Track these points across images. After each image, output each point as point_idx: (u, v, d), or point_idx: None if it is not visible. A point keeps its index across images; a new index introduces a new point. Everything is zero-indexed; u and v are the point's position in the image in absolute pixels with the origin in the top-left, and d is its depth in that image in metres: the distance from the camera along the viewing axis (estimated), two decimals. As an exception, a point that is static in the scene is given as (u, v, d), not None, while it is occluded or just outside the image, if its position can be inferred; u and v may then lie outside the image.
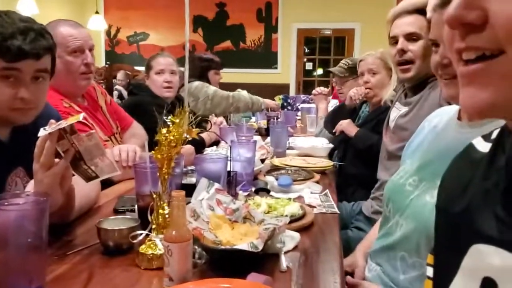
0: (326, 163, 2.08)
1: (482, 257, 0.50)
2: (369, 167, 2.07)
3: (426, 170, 1.07)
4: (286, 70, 8.21)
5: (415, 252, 1.03)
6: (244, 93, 3.74)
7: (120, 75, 6.99)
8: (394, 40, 1.69)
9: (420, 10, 1.57)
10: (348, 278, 1.23)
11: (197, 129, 1.10)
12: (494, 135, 0.59)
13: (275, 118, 3.29)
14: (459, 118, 1.04)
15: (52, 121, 1.04)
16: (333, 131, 2.55)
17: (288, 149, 2.38)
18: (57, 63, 1.77)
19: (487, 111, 0.44)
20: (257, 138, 2.34)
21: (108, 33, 8.37)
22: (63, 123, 1.01)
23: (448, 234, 0.60)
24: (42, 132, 1.02)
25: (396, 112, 1.74)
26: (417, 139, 1.20)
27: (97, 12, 7.66)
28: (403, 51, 1.64)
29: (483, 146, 0.60)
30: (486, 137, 0.61)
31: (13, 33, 1.15)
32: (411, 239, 1.04)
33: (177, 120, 1.01)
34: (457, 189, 0.60)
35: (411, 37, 1.64)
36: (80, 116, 1.02)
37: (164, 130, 1.01)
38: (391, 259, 1.10)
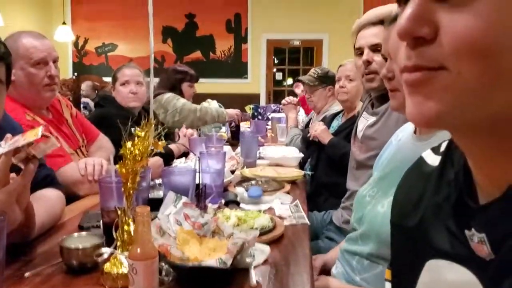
0: (297, 173, 2.08)
1: (438, 272, 0.51)
2: (341, 176, 2.07)
3: (383, 181, 1.11)
4: (256, 80, 8.24)
5: (371, 256, 1.11)
6: (213, 103, 3.72)
7: (84, 85, 6.87)
8: (359, 51, 1.71)
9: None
10: None
11: (164, 141, 1.08)
12: (442, 148, 0.59)
13: (234, 122, 3.33)
14: (415, 132, 1.09)
15: (8, 135, 1.00)
16: (308, 135, 2.56)
17: (258, 159, 2.38)
18: (20, 75, 1.74)
19: (433, 120, 0.43)
20: (227, 148, 2.33)
21: (75, 44, 8.22)
22: (21, 140, 0.97)
23: (404, 250, 0.60)
24: None
25: (363, 122, 1.76)
26: (385, 153, 1.23)
27: (64, 23, 7.52)
28: (368, 62, 1.66)
29: (433, 159, 0.60)
30: (435, 150, 0.61)
31: None
32: (367, 246, 1.12)
33: (142, 134, 0.99)
34: (410, 203, 0.60)
35: (376, 48, 1.66)
36: (39, 132, 0.98)
37: (129, 144, 0.99)
38: (350, 261, 1.19)
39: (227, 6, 7.98)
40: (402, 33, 0.43)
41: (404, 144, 1.10)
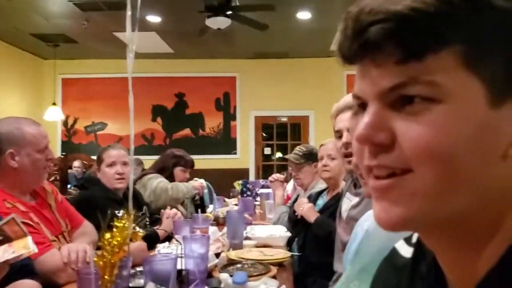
0: (284, 254, 2.05)
1: None
2: (329, 256, 2.04)
3: (365, 273, 1.08)
4: (245, 155, 8.34)
5: None
6: (200, 181, 3.72)
7: (77, 163, 7.01)
8: (339, 134, 1.75)
9: (362, 105, 1.66)
10: None
11: (143, 231, 1.07)
12: (414, 239, 0.59)
13: (198, 195, 3.47)
14: None
15: None
16: (294, 213, 2.55)
17: (245, 239, 2.34)
18: (25, 161, 1.81)
19: (400, 225, 0.44)
20: (214, 229, 2.30)
21: (65, 123, 8.32)
22: (9, 252, 0.96)
23: None
24: None
25: (347, 203, 1.76)
26: (353, 244, 1.21)
27: (54, 104, 7.66)
28: (347, 144, 1.70)
29: (406, 251, 0.60)
30: (407, 241, 0.61)
31: None
32: None
33: (121, 224, 0.99)
34: None
35: None
36: (30, 245, 0.97)
37: (107, 235, 0.98)
38: None
39: (216, 85, 8.25)
40: (360, 139, 0.45)
41: (377, 232, 1.09)
